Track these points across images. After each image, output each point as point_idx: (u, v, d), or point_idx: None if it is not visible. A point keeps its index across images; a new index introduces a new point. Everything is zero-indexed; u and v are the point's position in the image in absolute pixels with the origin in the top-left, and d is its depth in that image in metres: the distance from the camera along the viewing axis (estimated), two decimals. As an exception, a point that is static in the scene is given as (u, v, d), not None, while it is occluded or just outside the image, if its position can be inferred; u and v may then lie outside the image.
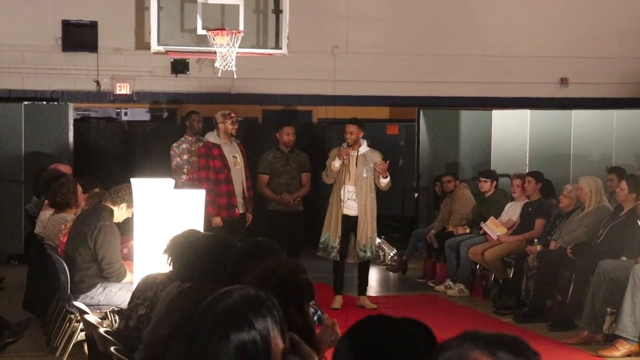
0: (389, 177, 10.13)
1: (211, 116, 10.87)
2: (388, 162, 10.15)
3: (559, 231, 9.98)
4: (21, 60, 14.94)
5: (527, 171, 12.04)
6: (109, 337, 4.88)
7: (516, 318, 9.65)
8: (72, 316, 7.43)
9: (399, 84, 16.08)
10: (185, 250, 4.78)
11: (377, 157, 10.21)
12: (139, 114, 16.03)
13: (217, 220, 9.87)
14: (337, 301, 10.20)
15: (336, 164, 10.14)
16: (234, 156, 10.32)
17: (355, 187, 10.07)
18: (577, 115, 14.06)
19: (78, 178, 9.46)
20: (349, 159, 10.13)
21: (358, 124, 10.29)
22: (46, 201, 9.08)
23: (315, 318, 3.78)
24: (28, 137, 13.55)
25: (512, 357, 1.85)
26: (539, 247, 10.02)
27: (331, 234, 10.14)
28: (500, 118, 14.27)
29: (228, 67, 11.34)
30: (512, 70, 16.36)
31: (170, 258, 4.96)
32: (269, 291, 2.83)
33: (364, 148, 10.21)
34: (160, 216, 6.37)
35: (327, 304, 9.85)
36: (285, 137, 10.69)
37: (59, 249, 7.93)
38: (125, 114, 15.99)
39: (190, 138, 11.30)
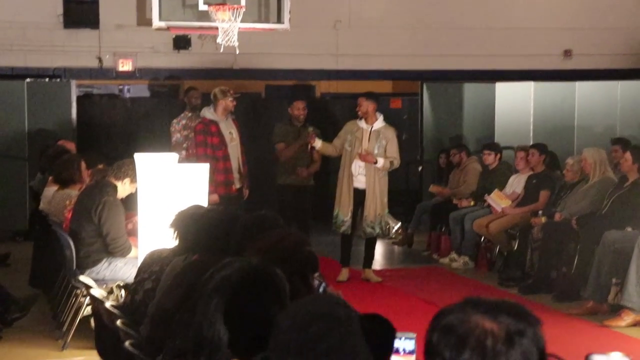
0: (381, 161, 10.03)
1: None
2: (367, 153, 10.03)
3: (563, 203, 9.98)
4: (23, 37, 14.90)
5: (531, 143, 12.03)
6: (115, 311, 4.89)
7: (521, 290, 9.65)
8: (78, 291, 7.45)
9: (402, 57, 16.03)
10: (192, 223, 4.79)
11: (390, 133, 10.16)
12: (141, 90, 16.01)
13: (214, 198, 9.75)
14: (344, 274, 10.22)
15: (317, 144, 10.21)
16: (230, 132, 10.22)
17: (366, 163, 10.04)
18: (581, 87, 14.03)
19: (82, 154, 9.48)
20: (362, 133, 10.08)
21: (368, 96, 10.24)
22: (50, 177, 9.09)
23: (320, 290, 3.79)
24: (31, 114, 13.56)
25: (513, 321, 1.86)
26: (543, 219, 10.01)
27: (342, 208, 10.12)
28: (504, 91, 14.24)
29: (230, 42, 11.33)
30: (515, 43, 16.29)
31: (176, 232, 4.97)
32: (273, 263, 2.84)
33: (379, 123, 10.14)
34: (164, 191, 6.38)
35: (333, 277, 9.88)
36: (296, 111, 10.65)
37: (64, 225, 7.95)
38: (129, 90, 15.99)
39: (189, 114, 11.29)
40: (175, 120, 11.28)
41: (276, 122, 11.23)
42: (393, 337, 2.43)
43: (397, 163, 10.18)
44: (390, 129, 10.21)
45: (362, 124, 10.13)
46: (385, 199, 10.21)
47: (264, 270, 2.51)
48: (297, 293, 3.38)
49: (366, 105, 10.09)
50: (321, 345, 2.08)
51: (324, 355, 2.08)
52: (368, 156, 9.98)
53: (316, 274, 3.69)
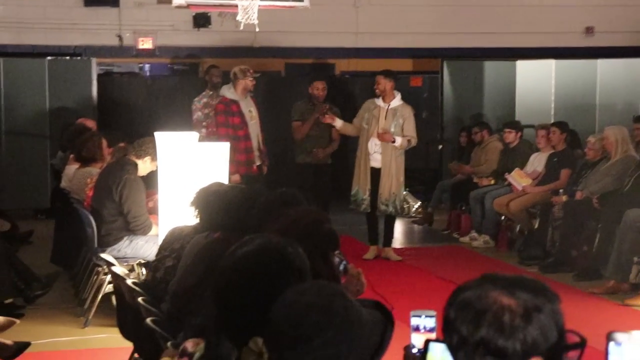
0: (399, 140, 9.97)
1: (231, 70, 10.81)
2: (384, 131, 10.01)
3: (584, 181, 9.93)
4: (44, 15, 14.94)
5: (552, 122, 11.97)
6: (137, 288, 4.92)
7: (542, 268, 9.63)
8: (100, 269, 7.49)
9: (422, 35, 15.96)
10: (214, 201, 4.79)
11: (407, 111, 10.14)
12: (161, 68, 16.03)
13: (235, 178, 9.78)
14: (371, 252, 10.27)
15: (337, 124, 10.18)
16: (249, 110, 10.24)
17: (382, 141, 10.02)
18: (603, 65, 13.94)
19: (103, 132, 9.51)
20: (379, 111, 10.08)
21: (386, 74, 10.20)
22: (71, 155, 9.13)
23: (341, 268, 3.78)
24: (52, 92, 13.62)
25: (530, 297, 1.86)
26: (564, 198, 9.97)
27: (361, 186, 10.14)
28: (525, 68, 14.17)
29: (250, 20, 11.27)
30: (536, 20, 16.19)
31: (197, 210, 4.97)
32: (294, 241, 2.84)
33: (396, 102, 10.12)
34: (184, 169, 6.40)
35: (353, 255, 9.91)
36: (316, 91, 10.55)
37: (85, 203, 7.99)
38: (149, 69, 16.03)
39: (210, 92, 11.27)
40: (196, 99, 11.26)
41: (296, 100, 11.20)
42: (392, 326, 2.40)
43: (414, 141, 10.15)
44: (407, 108, 10.18)
45: (379, 102, 10.11)
46: (402, 178, 10.20)
47: (285, 248, 2.51)
48: (318, 271, 3.39)
49: (384, 83, 10.07)
50: (317, 339, 2.02)
51: (319, 349, 2.03)
52: (386, 135, 9.96)
53: (337, 252, 3.69)
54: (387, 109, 10.07)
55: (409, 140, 10.05)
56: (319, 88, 10.57)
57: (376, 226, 10.34)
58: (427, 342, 2.25)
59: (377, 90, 10.12)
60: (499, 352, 1.85)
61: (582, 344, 1.89)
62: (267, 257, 2.45)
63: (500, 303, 1.87)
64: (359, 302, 2.14)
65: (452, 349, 1.91)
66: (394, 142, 9.97)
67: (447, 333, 1.92)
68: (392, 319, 2.37)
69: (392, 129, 10.01)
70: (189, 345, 2.68)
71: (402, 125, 10.04)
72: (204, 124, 10.96)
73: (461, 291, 1.93)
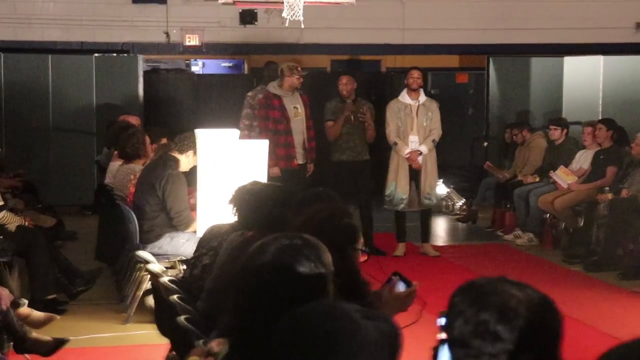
0: (425, 148, 10.10)
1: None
2: (411, 154, 10.12)
3: (631, 179, 9.81)
4: (92, 12, 15.09)
5: (600, 119, 11.83)
6: (172, 285, 4.94)
7: (586, 267, 9.54)
8: (141, 265, 7.53)
9: (468, 31, 15.87)
10: (250, 199, 4.81)
11: (434, 105, 10.26)
12: (214, 67, 16.07)
13: (275, 171, 9.73)
14: (400, 249, 10.24)
15: (392, 136, 10.16)
16: (294, 107, 10.21)
17: (419, 137, 10.07)
18: (653, 61, 13.73)
19: (146, 129, 9.57)
20: (411, 109, 10.10)
21: (420, 70, 10.35)
22: (115, 152, 9.21)
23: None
24: (99, 89, 13.73)
25: (538, 295, 1.93)
26: (610, 196, 9.86)
27: (400, 186, 10.13)
28: (573, 65, 14.02)
29: (296, 16, 11.27)
30: (584, 16, 16.00)
31: (235, 208, 4.99)
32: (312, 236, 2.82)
33: (423, 97, 10.24)
34: (224, 167, 6.41)
35: (389, 252, 9.95)
36: (342, 86, 10.49)
37: (128, 199, 8.05)
38: (203, 65, 16.11)
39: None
40: (250, 93, 11.01)
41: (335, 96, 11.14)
42: (399, 339, 2.35)
43: (437, 134, 10.20)
44: (433, 102, 10.35)
45: (407, 99, 10.16)
46: (436, 170, 10.31)
47: (294, 262, 2.44)
48: (335, 266, 3.38)
49: (421, 78, 10.18)
50: None
51: None
52: (413, 155, 10.08)
53: (361, 246, 3.68)
54: (418, 105, 10.10)
55: (433, 140, 10.15)
56: (342, 83, 10.50)
57: (404, 223, 10.32)
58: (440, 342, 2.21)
59: (413, 85, 10.12)
60: (495, 336, 1.84)
61: None
62: (275, 275, 2.41)
63: (508, 291, 1.87)
64: (367, 316, 2.08)
65: (452, 337, 1.89)
66: (421, 154, 10.09)
67: (451, 319, 1.90)
68: (401, 334, 2.33)
69: (424, 123, 10.11)
70: (214, 344, 2.68)
71: (431, 119, 10.10)
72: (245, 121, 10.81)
73: (471, 281, 1.94)
